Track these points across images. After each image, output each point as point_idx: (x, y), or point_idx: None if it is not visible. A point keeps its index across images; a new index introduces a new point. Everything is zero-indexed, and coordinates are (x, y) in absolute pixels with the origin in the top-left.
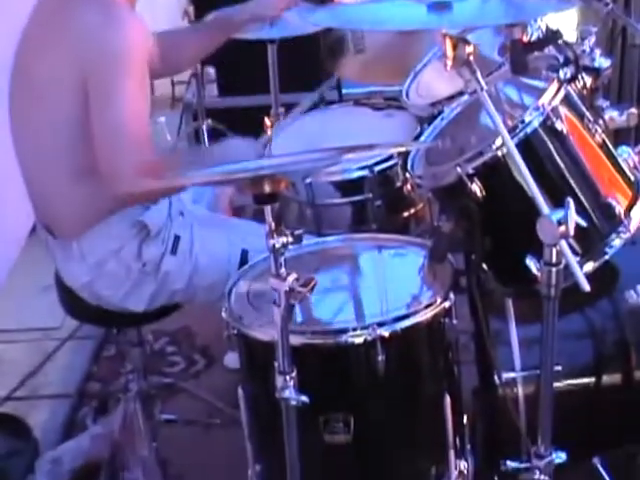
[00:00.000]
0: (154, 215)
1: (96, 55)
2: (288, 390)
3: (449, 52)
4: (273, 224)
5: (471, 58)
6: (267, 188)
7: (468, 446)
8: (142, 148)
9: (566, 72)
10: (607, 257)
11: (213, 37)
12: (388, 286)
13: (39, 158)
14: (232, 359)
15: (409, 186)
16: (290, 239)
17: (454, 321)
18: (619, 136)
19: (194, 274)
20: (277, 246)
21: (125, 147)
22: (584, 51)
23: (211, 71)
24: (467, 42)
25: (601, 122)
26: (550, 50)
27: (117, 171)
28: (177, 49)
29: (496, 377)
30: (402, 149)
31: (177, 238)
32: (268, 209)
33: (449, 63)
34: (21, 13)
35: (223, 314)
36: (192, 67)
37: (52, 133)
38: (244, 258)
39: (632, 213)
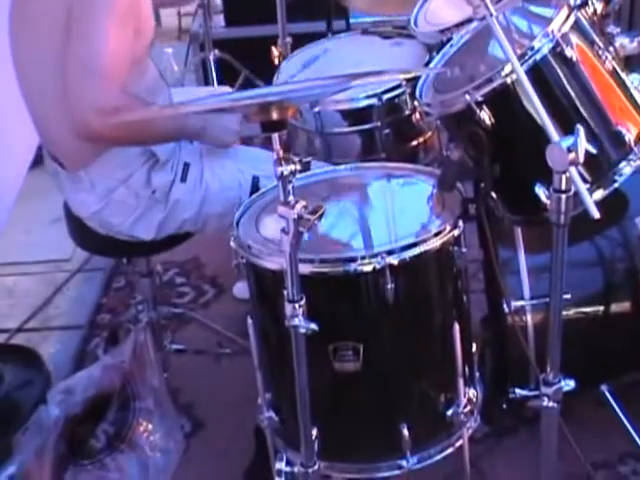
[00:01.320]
0: None
1: None
2: (297, 318)
3: None
4: (281, 151)
5: None
6: (275, 115)
7: (477, 374)
8: (113, 88)
9: None
10: (617, 185)
11: None
12: (397, 215)
13: (41, 90)
14: (241, 289)
15: (418, 114)
16: (298, 166)
17: (463, 249)
18: (630, 63)
19: (204, 202)
20: (285, 173)
21: (94, 85)
22: None
23: (218, 1)
24: None
25: (612, 49)
26: None
27: (82, 108)
28: None
29: (505, 305)
30: (410, 75)
31: (186, 165)
32: (276, 137)
33: None
34: None
35: (232, 243)
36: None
37: (51, 65)
38: (255, 184)
39: None
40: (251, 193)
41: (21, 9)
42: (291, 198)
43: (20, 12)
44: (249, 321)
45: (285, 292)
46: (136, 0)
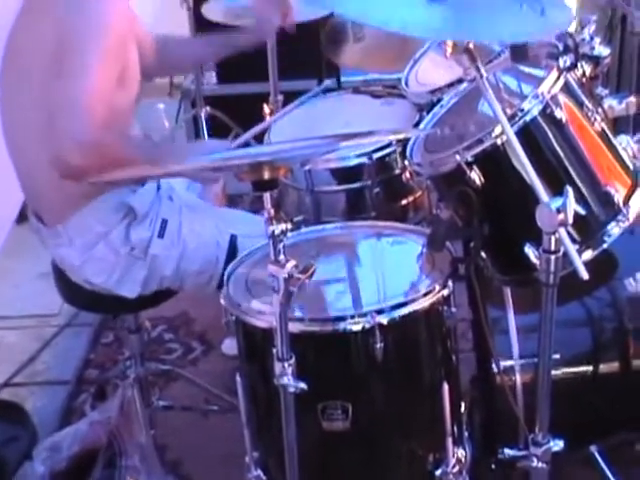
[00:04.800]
0: (141, 198)
1: (69, 29)
2: (286, 377)
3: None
4: (272, 210)
5: (471, 45)
6: (266, 175)
7: (466, 434)
8: (95, 129)
9: (565, 60)
10: (606, 245)
11: (212, 51)
12: (386, 274)
13: (24, 140)
14: (230, 345)
15: (408, 174)
16: (289, 226)
17: (452, 309)
18: (618, 125)
19: (182, 258)
20: (276, 232)
21: (77, 120)
22: (583, 39)
23: None
24: None
25: (600, 111)
26: (550, 38)
27: (64, 141)
28: (176, 56)
29: (494, 365)
30: (401, 136)
31: (164, 222)
32: (267, 196)
33: (449, 50)
34: None
35: (221, 300)
36: (186, 74)
37: (35, 113)
38: (233, 243)
39: (631, 202)
40: (229, 252)
41: (12, 56)
42: (282, 257)
43: (11, 59)
44: (237, 378)
45: (274, 350)
46: (123, 43)
